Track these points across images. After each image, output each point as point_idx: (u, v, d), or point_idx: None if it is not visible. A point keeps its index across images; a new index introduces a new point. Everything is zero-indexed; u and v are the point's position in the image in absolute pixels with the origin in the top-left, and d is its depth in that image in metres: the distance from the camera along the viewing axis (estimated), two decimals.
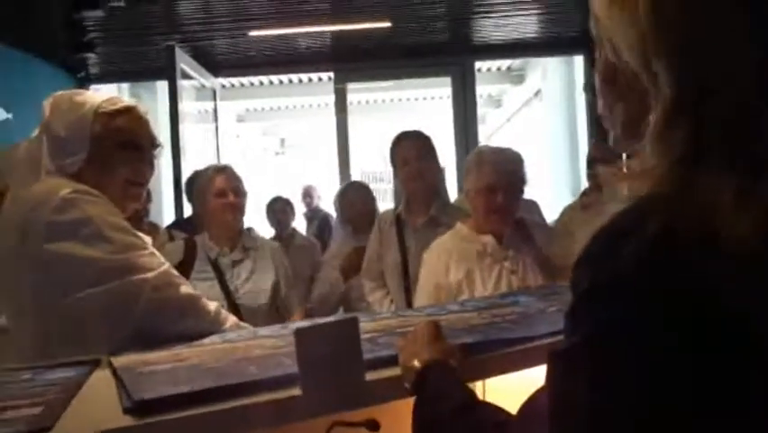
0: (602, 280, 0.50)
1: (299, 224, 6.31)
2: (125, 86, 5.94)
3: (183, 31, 4.29)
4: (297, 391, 0.76)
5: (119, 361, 0.94)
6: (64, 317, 1.09)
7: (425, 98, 9.12)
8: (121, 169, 1.26)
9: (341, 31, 4.45)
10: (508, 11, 4.32)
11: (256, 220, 4.08)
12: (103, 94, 1.31)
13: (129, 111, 1.28)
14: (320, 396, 0.77)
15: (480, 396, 1.20)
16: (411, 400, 0.78)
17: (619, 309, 0.47)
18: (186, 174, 4.11)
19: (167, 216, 4.99)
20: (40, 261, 1.11)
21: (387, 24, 4.31)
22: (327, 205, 6.09)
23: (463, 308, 1.29)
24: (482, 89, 8.55)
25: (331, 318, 0.83)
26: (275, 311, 2.27)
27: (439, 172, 2.31)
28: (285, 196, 3.93)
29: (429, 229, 2.22)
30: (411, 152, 2.23)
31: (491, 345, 0.93)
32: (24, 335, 1.16)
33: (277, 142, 12.61)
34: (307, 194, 5.85)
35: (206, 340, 1.08)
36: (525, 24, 4.66)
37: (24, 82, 4.41)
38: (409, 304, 2.09)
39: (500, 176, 1.76)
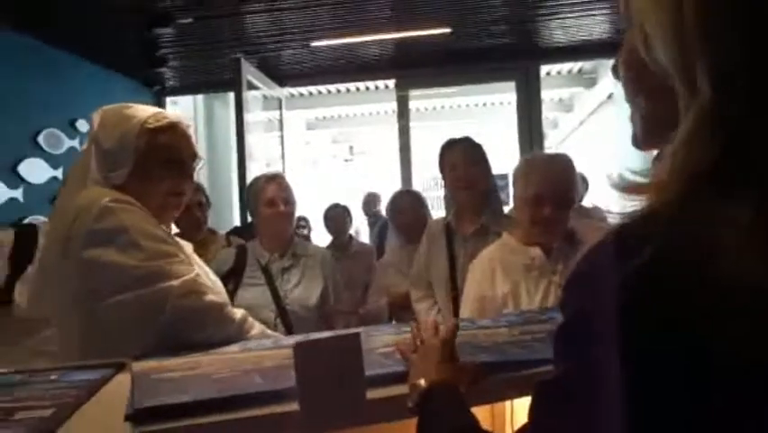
0: (586, 308, 0.46)
1: (363, 230, 6.37)
2: (200, 97, 6.21)
3: (249, 43, 4.43)
4: (295, 407, 0.75)
5: (138, 366, 0.96)
6: (99, 322, 1.13)
7: (486, 104, 8.99)
8: (162, 182, 1.30)
9: (402, 38, 4.45)
10: (575, 12, 4.17)
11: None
12: (150, 108, 1.35)
13: (172, 127, 1.32)
14: (318, 413, 0.75)
15: (507, 416, 1.14)
16: (411, 423, 0.75)
17: (602, 343, 0.43)
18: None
19: (236, 223, 5.15)
20: (80, 266, 1.16)
21: (447, 30, 4.27)
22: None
23: (495, 323, 1.23)
24: (552, 93, 8.32)
25: (332, 333, 0.81)
26: (323, 319, 2.28)
27: (490, 180, 2.25)
28: (342, 203, 3.96)
29: (479, 239, 2.16)
30: (460, 158, 2.18)
31: (508, 366, 0.88)
32: (66, 337, 1.21)
33: (346, 149, 12.80)
34: (370, 200, 5.88)
35: (227, 348, 1.09)
36: (594, 25, 4.48)
37: (105, 97, 4.67)
38: (456, 315, 2.04)
39: (548, 185, 1.68)
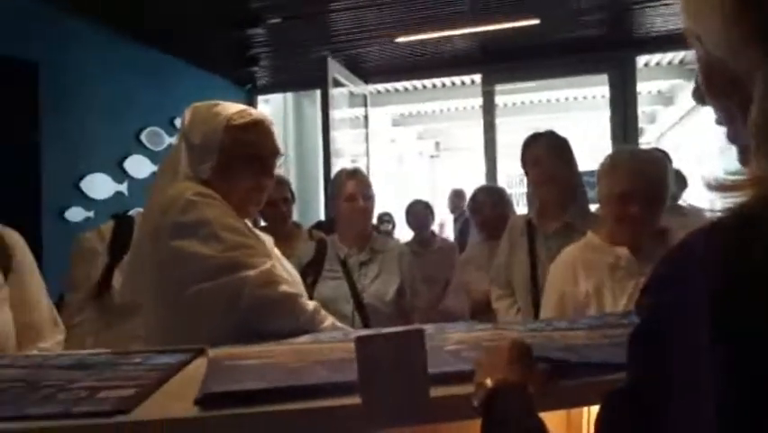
0: (661, 315, 0.42)
1: (449, 227, 6.33)
2: (289, 95, 6.40)
3: (335, 41, 4.51)
4: (357, 401, 0.75)
5: (214, 352, 1.00)
6: (181, 309, 1.19)
7: (576, 98, 8.63)
8: (245, 177, 1.34)
9: (487, 32, 4.36)
10: None
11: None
12: (236, 106, 1.40)
13: (256, 125, 1.36)
14: (380, 407, 0.74)
15: (584, 422, 1.09)
16: (477, 423, 0.73)
17: (688, 352, 0.39)
18: None
19: (321, 218, 5.26)
20: (166, 256, 1.22)
21: (535, 22, 4.14)
22: None
23: (573, 324, 1.18)
24: (650, 86, 7.87)
25: (395, 328, 0.80)
26: (399, 314, 2.29)
27: (575, 176, 2.16)
28: (427, 199, 3.95)
29: (562, 236, 2.08)
30: (543, 152, 2.11)
31: (585, 370, 0.84)
32: (152, 322, 1.29)
33: (432, 145, 12.76)
34: (455, 197, 5.84)
35: (298, 339, 1.11)
36: None
37: (201, 96, 4.92)
38: (537, 315, 1.98)
39: (636, 182, 1.59)
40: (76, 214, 3.70)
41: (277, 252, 1.48)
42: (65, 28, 3.69)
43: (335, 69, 4.73)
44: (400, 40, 4.48)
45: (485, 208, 2.77)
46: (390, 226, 4.80)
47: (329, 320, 1.25)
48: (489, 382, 0.76)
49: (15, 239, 1.44)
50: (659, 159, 1.67)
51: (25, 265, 1.42)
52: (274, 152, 1.41)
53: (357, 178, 2.29)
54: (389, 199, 7.29)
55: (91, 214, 3.79)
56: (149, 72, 4.38)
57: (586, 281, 1.63)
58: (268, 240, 1.45)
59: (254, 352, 1.00)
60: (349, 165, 5.71)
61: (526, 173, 2.20)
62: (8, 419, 0.72)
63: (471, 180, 8.75)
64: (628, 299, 1.58)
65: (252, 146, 1.36)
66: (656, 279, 0.46)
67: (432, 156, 13.29)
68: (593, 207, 2.31)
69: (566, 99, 8.89)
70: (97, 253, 1.88)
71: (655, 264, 0.46)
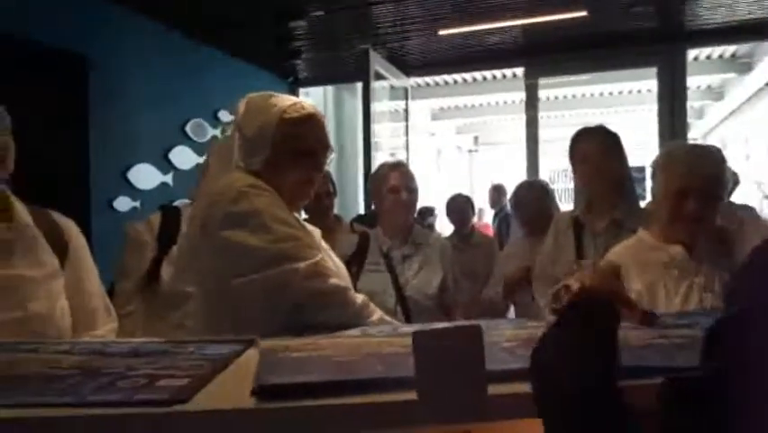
0: (758, 299, 0.40)
1: (489, 220, 6.27)
2: (330, 87, 6.43)
3: (377, 34, 4.50)
4: (414, 396, 0.74)
5: (265, 343, 1.01)
6: (230, 299, 1.20)
7: (622, 92, 8.41)
8: (294, 171, 1.35)
9: (532, 24, 4.28)
10: None
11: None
12: (291, 99, 1.40)
13: (309, 119, 1.36)
14: (437, 404, 0.73)
15: None
16: (536, 422, 0.71)
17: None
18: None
19: (360, 210, 5.28)
20: (216, 246, 1.24)
21: (583, 14, 4.04)
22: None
23: (627, 323, 1.14)
24: (699, 80, 7.62)
25: (453, 324, 0.78)
26: (441, 307, 2.27)
27: (625, 171, 2.09)
28: (466, 193, 3.91)
29: (611, 234, 2.03)
30: (592, 148, 2.06)
31: (642, 372, 0.81)
32: (201, 311, 1.30)
33: (471, 139, 12.66)
34: (495, 192, 5.77)
35: (347, 332, 1.11)
36: (751, 3, 4.02)
37: (244, 89, 4.99)
38: None
39: (692, 179, 1.53)
40: (123, 204, 3.80)
41: (324, 244, 1.48)
42: (114, 21, 3.77)
43: (377, 62, 4.72)
44: (443, 32, 4.44)
45: (528, 204, 2.72)
46: (433, 220, 4.78)
47: (377, 314, 1.24)
48: (574, 285, 0.68)
49: (71, 227, 1.48)
50: (716, 154, 1.60)
51: (81, 253, 1.46)
52: (325, 147, 1.41)
53: (400, 170, 2.28)
54: (428, 193, 7.27)
55: (137, 204, 3.88)
56: (193, 65, 4.45)
57: (638, 281, 1.58)
58: (316, 232, 1.45)
59: (305, 344, 1.00)
60: (388, 158, 5.71)
61: (574, 169, 2.14)
62: (69, 406, 0.73)
63: (511, 175, 8.66)
64: (682, 299, 1.53)
65: (304, 140, 1.36)
66: (753, 268, 0.43)
67: (470, 150, 13.19)
68: (642, 204, 2.25)
69: (610, 94, 8.68)
70: (146, 243, 1.92)
71: (750, 254, 0.44)
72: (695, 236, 1.57)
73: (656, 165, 1.65)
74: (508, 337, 1.02)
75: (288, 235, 1.21)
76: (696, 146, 1.66)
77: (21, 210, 1.37)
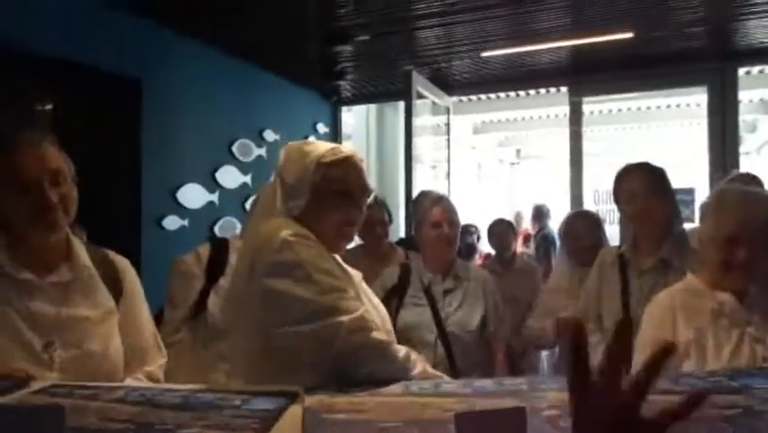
0: None
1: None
2: (372, 105, 6.50)
3: (421, 56, 4.53)
4: None
5: (310, 400, 1.03)
6: (273, 348, 1.23)
7: (669, 106, 8.17)
8: (334, 213, 1.37)
9: (577, 45, 4.23)
10: None
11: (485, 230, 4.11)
12: (327, 144, 1.43)
13: (346, 161, 1.39)
14: None
15: None
16: None
17: None
18: (417, 188, 4.37)
19: (401, 222, 5.18)
20: (261, 293, 1.27)
21: (629, 35, 3.97)
22: (554, 223, 5.87)
23: (674, 385, 1.12)
24: (752, 94, 7.36)
25: (495, 407, 0.79)
26: (482, 342, 2.27)
27: (672, 209, 2.05)
28: (508, 206, 3.89)
29: (657, 273, 2.00)
30: (639, 187, 2.02)
31: None
32: (246, 356, 1.34)
33: (513, 152, 12.55)
34: (538, 214, 5.69)
35: (390, 389, 1.12)
36: None
37: (288, 108, 5.12)
38: (629, 358, 1.89)
39: (744, 225, 1.48)
40: (172, 222, 3.92)
41: (364, 286, 1.50)
42: (166, 45, 3.91)
43: (419, 83, 4.75)
44: (487, 54, 4.43)
45: (582, 237, 2.65)
46: (475, 238, 4.75)
47: (419, 367, 1.25)
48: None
49: (125, 266, 1.54)
50: None
51: (134, 292, 1.52)
52: (363, 188, 1.44)
53: (442, 205, 2.29)
54: (469, 206, 7.24)
55: (186, 222, 4.00)
56: (240, 86, 4.57)
57: (686, 329, 1.54)
58: (356, 276, 1.47)
59: (349, 403, 1.02)
60: (429, 172, 5.73)
61: (620, 207, 2.11)
62: None
63: (553, 190, 8.52)
64: (732, 350, 1.49)
65: (342, 182, 1.39)
66: None
67: (512, 163, 13.06)
68: (688, 226, 2.18)
69: (657, 108, 8.47)
70: (194, 275, 1.98)
71: None
72: (745, 284, 1.53)
73: (706, 208, 1.61)
74: (552, 402, 1.01)
75: (332, 287, 1.23)
76: (748, 192, 1.61)
77: (80, 251, 1.44)
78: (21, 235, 1.34)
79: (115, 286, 1.48)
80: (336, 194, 1.38)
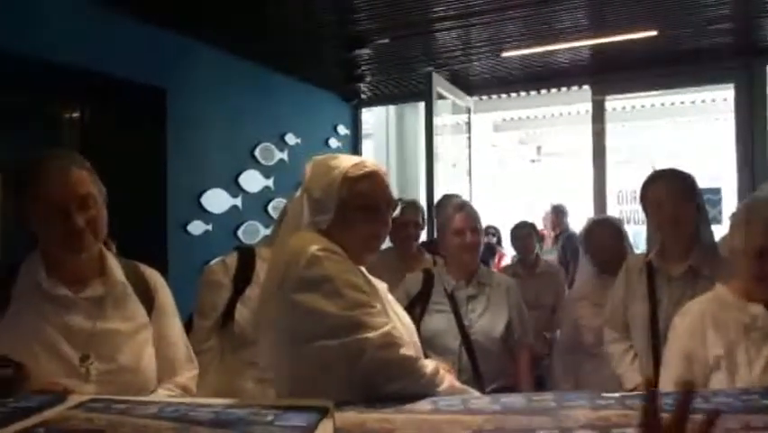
0: None
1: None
2: (392, 106, 6.51)
3: (440, 57, 4.52)
4: None
5: (341, 418, 1.04)
6: (301, 361, 1.25)
7: (694, 102, 8.01)
8: (360, 227, 1.39)
9: (600, 44, 4.19)
10: None
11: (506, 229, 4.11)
12: (352, 159, 1.45)
13: (371, 176, 1.40)
14: None
15: None
16: None
17: None
18: (438, 186, 4.37)
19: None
20: (289, 307, 1.29)
21: (652, 33, 3.92)
22: (575, 223, 5.81)
23: (706, 402, 1.11)
24: None
25: (525, 427, 0.79)
26: (507, 349, 2.27)
27: (701, 216, 2.02)
28: (530, 220, 3.87)
29: (686, 281, 1.98)
30: (666, 194, 1.99)
31: None
32: (275, 368, 1.36)
33: (533, 150, 12.46)
34: (555, 214, 5.62)
35: (419, 405, 1.12)
36: None
37: (309, 111, 5.15)
38: (657, 366, 1.87)
39: None
40: (197, 227, 3.97)
41: (390, 297, 1.51)
42: (189, 53, 3.96)
43: (439, 84, 4.74)
44: (507, 54, 4.41)
45: (604, 246, 2.62)
46: (495, 240, 4.74)
47: (447, 382, 1.26)
48: None
49: (157, 279, 1.57)
50: None
51: (166, 304, 1.55)
52: (388, 202, 1.45)
53: (465, 211, 2.29)
54: (489, 204, 7.21)
55: (210, 227, 4.05)
56: (262, 90, 4.61)
57: (716, 342, 1.52)
58: (381, 288, 1.48)
59: (379, 420, 1.03)
60: (450, 170, 5.72)
61: (647, 213, 2.09)
62: None
63: (575, 187, 8.42)
64: (765, 366, 1.46)
65: (367, 196, 1.40)
66: None
67: (533, 160, 12.97)
68: (716, 229, 2.15)
69: (681, 103, 8.33)
70: (222, 284, 2.01)
71: None
72: None
73: (736, 219, 1.59)
74: (582, 422, 1.01)
75: (360, 302, 1.24)
76: None
77: (113, 265, 1.48)
78: (55, 254, 1.38)
79: (147, 299, 1.51)
80: (362, 208, 1.39)
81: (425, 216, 2.90)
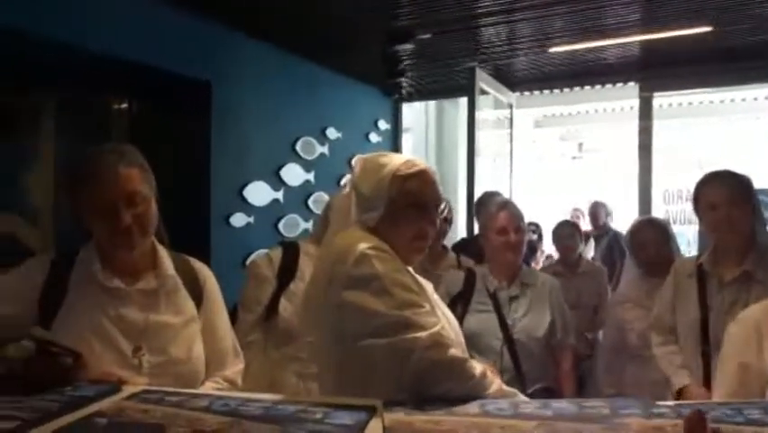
0: None
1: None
2: (431, 102, 6.47)
3: (484, 52, 4.47)
4: None
5: (389, 418, 1.04)
6: (349, 360, 1.26)
7: (745, 99, 7.70)
8: (408, 226, 1.38)
9: (650, 40, 4.07)
10: None
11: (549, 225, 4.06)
12: (402, 157, 1.44)
13: (420, 175, 1.40)
14: None
15: None
16: None
17: None
18: (479, 183, 4.33)
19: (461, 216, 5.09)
20: (338, 305, 1.29)
21: (707, 29, 3.79)
22: (618, 221, 5.68)
23: (765, 416, 1.07)
24: None
25: None
26: (549, 350, 2.24)
27: (756, 219, 1.95)
28: (571, 219, 3.82)
29: (740, 287, 1.91)
30: (720, 196, 1.93)
31: None
32: (321, 364, 1.37)
33: (575, 146, 12.23)
34: (594, 212, 5.50)
35: (467, 408, 1.11)
36: None
37: (350, 106, 5.17)
38: (707, 374, 1.82)
39: None
40: (239, 220, 4.03)
41: (436, 297, 1.50)
42: (234, 47, 4.01)
43: (482, 79, 4.69)
44: (553, 50, 4.33)
45: (649, 248, 2.56)
46: (536, 237, 4.67)
47: (495, 385, 1.24)
48: None
49: (206, 273, 1.60)
50: None
51: (214, 298, 1.58)
52: (437, 201, 1.44)
53: (508, 210, 2.26)
54: (530, 200, 7.12)
55: (252, 220, 4.11)
56: (304, 85, 4.63)
57: None
58: (428, 286, 1.48)
59: (425, 422, 1.03)
60: (490, 166, 5.66)
61: (700, 216, 2.02)
62: None
63: (617, 184, 8.22)
64: None
65: (417, 195, 1.39)
66: None
67: (574, 157, 12.73)
68: None
69: (732, 101, 8.04)
70: (267, 278, 2.04)
71: None
72: None
73: None
74: (635, 431, 0.99)
75: (409, 302, 1.24)
76: None
77: (164, 259, 1.51)
78: (107, 248, 1.42)
79: (196, 293, 1.54)
80: (411, 206, 1.39)
81: (450, 212, 2.85)
